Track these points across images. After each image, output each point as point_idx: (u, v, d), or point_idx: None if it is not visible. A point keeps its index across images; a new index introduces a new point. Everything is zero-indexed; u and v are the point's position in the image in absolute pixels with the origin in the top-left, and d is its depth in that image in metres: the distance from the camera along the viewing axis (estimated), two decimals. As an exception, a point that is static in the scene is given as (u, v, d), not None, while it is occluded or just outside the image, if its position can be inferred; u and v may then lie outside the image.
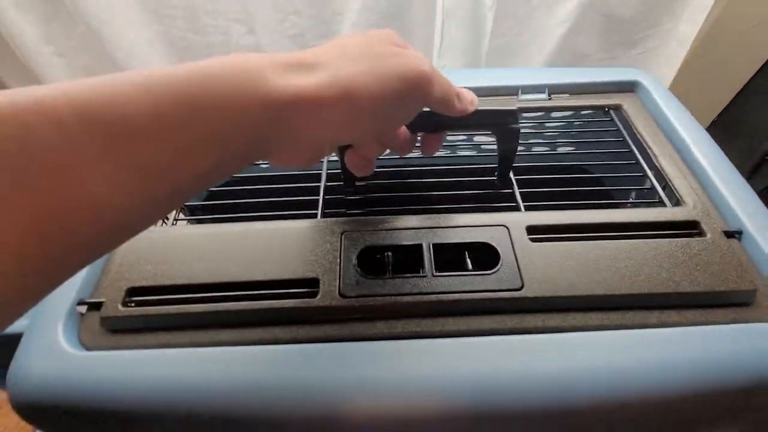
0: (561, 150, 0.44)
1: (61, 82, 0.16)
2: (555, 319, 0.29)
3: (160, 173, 0.17)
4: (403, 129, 0.29)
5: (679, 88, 0.78)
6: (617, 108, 0.44)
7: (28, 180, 0.14)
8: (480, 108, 0.29)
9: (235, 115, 0.19)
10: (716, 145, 0.39)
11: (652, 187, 0.38)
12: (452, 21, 0.71)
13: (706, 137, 0.39)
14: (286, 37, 0.73)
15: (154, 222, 0.19)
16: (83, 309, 0.29)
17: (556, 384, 0.27)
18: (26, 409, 0.27)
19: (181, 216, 0.36)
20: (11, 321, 0.16)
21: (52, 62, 0.73)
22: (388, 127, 0.27)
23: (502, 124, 0.32)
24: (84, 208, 0.16)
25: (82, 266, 0.18)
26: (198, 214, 0.38)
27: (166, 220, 0.35)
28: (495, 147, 0.35)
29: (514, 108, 0.32)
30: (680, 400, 0.27)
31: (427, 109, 0.26)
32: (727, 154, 0.38)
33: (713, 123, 0.88)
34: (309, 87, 0.20)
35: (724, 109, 0.84)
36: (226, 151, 0.19)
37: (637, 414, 0.28)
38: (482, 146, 0.45)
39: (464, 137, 0.46)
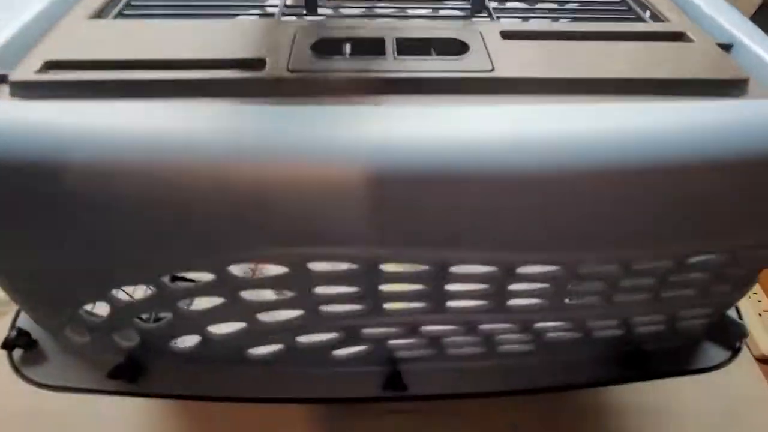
0: None
1: None
2: (530, 101, 0.26)
3: None
4: None
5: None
6: None
7: None
8: None
9: None
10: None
11: (633, 10, 0.35)
12: None
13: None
14: None
15: None
16: None
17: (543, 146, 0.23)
18: None
19: (128, 12, 0.32)
20: None
21: None
22: None
23: None
24: None
25: None
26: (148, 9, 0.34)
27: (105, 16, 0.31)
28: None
29: None
30: (680, 170, 0.24)
31: None
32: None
33: None
34: None
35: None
36: None
37: (629, 188, 0.24)
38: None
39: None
